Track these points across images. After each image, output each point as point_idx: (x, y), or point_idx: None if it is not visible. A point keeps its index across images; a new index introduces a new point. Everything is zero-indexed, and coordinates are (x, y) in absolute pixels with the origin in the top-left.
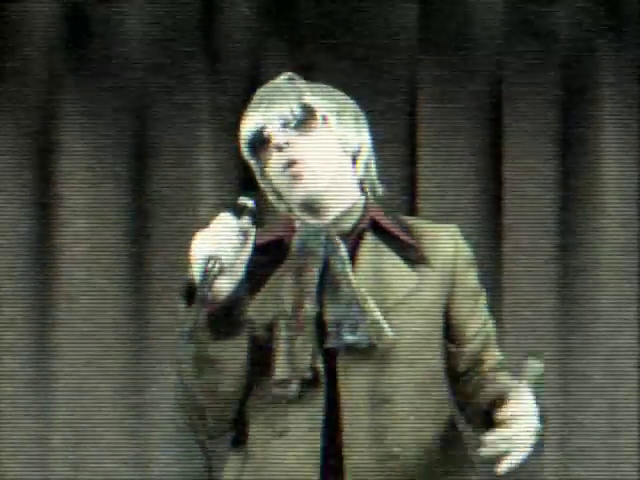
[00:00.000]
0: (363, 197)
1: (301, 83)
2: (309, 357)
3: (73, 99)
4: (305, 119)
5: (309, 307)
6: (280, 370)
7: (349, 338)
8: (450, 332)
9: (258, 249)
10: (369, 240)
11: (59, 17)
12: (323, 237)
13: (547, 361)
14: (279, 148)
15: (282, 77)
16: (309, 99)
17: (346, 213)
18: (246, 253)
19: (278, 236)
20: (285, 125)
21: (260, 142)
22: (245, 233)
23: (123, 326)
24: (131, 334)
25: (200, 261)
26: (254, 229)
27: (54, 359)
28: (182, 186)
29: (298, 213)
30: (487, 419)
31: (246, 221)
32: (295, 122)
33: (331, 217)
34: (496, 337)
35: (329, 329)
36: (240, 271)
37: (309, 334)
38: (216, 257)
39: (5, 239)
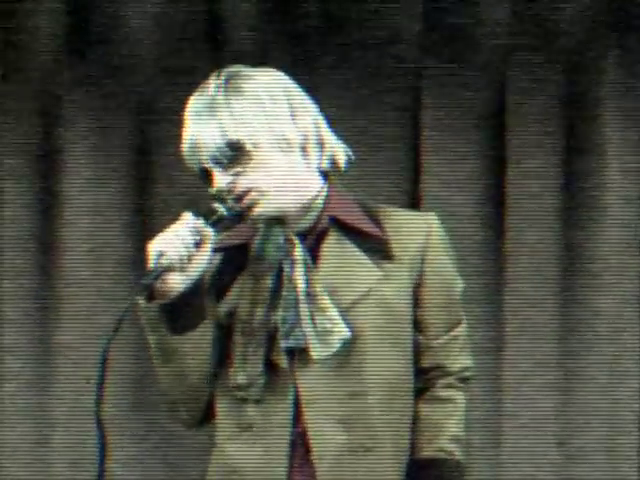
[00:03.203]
0: (325, 187)
1: (222, 101)
2: (260, 364)
3: (77, 99)
4: (236, 155)
5: (260, 313)
6: (235, 376)
7: (284, 342)
8: (418, 323)
9: (225, 251)
10: (332, 237)
11: (63, 17)
12: (281, 239)
13: (548, 362)
14: (227, 191)
15: (206, 92)
16: (233, 133)
17: (305, 210)
18: (202, 255)
19: (242, 239)
20: (219, 163)
21: (204, 173)
22: (202, 235)
23: (125, 326)
24: (133, 334)
25: (152, 256)
26: (212, 233)
27: (56, 359)
28: (186, 186)
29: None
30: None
31: (205, 224)
32: (227, 161)
33: (290, 219)
34: (468, 344)
35: (274, 335)
36: (194, 270)
37: (260, 341)
38: (165, 253)
39: (8, 238)
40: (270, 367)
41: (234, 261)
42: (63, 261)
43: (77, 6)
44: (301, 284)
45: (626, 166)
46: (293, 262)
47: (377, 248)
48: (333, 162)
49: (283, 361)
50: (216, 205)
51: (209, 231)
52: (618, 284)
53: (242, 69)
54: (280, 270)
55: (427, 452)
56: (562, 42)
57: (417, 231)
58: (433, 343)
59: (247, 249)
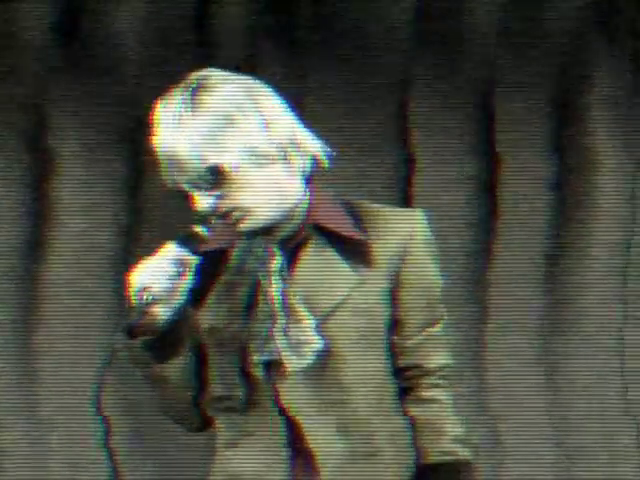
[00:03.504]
0: (307, 192)
1: (192, 119)
2: (236, 376)
3: (67, 98)
4: (216, 179)
5: (236, 325)
6: (214, 388)
7: (258, 356)
8: (395, 322)
9: (202, 255)
10: (311, 243)
11: (52, 16)
12: (262, 250)
13: (533, 361)
14: (210, 212)
15: (174, 106)
16: (212, 158)
17: (288, 218)
18: (185, 283)
19: (222, 245)
20: (199, 187)
21: (182, 192)
22: (183, 264)
23: (111, 326)
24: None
25: (134, 291)
26: (195, 260)
27: (41, 358)
28: None
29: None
30: None
31: (188, 253)
32: (208, 185)
33: (274, 228)
34: (446, 342)
35: (247, 346)
36: (177, 299)
37: (235, 352)
38: (148, 287)
39: None
40: (248, 378)
41: (211, 267)
42: (50, 261)
43: (69, 7)
44: (277, 296)
45: (614, 167)
46: (269, 273)
47: (357, 251)
48: (315, 162)
49: (259, 373)
50: (198, 229)
51: (192, 259)
52: (602, 284)
53: (209, 77)
54: (256, 281)
55: (432, 457)
56: (553, 42)
57: (399, 230)
58: (408, 343)
59: (225, 255)
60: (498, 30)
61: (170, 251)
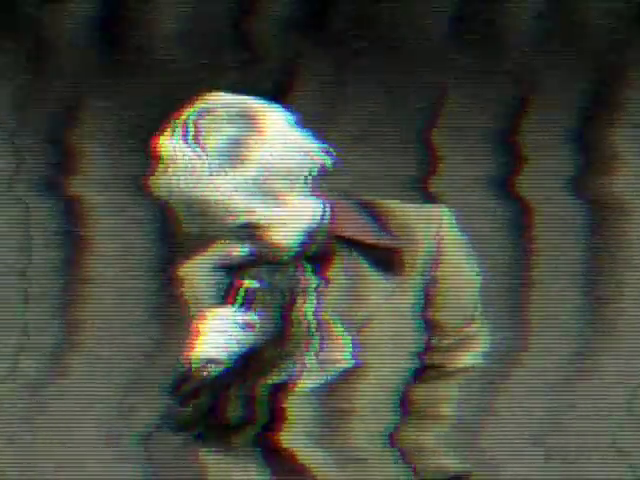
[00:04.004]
0: (324, 205)
1: (213, 175)
2: (265, 399)
3: (97, 100)
4: (249, 232)
5: (271, 348)
6: (232, 410)
7: (276, 377)
8: (428, 322)
9: (227, 269)
10: (339, 256)
11: (92, 17)
12: (292, 268)
13: (571, 359)
14: (250, 262)
15: (185, 156)
16: (243, 216)
17: (312, 235)
18: (249, 340)
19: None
20: (230, 237)
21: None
22: (249, 324)
23: (146, 325)
24: (155, 333)
25: (198, 365)
26: (257, 318)
27: (78, 357)
28: None
29: None
30: None
31: (249, 315)
32: (240, 238)
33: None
34: (480, 342)
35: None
36: (235, 354)
37: (274, 374)
38: (214, 360)
39: (36, 238)
40: (252, 401)
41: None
42: (87, 261)
43: (107, 7)
44: (311, 315)
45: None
46: (304, 292)
47: (386, 258)
48: (320, 169)
49: (264, 394)
50: (248, 283)
51: (256, 319)
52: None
53: (213, 115)
54: (287, 300)
55: (430, 475)
56: (587, 41)
57: (426, 229)
58: (443, 343)
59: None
60: (532, 29)
61: (231, 315)
